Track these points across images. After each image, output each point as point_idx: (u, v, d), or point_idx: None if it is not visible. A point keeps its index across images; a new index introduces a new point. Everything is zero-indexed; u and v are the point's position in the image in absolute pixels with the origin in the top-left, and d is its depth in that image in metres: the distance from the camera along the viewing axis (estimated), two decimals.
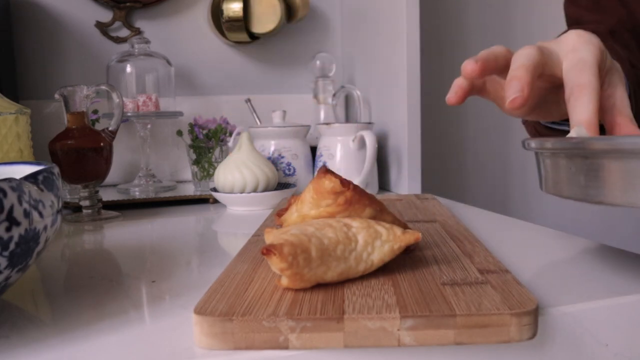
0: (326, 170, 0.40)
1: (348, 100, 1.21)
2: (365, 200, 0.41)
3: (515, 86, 0.41)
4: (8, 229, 0.31)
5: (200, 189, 0.94)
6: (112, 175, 1.02)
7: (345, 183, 0.40)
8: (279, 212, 0.45)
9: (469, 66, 0.44)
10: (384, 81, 0.98)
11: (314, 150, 0.95)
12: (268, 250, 0.34)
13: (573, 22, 0.70)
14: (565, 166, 0.39)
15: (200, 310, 0.31)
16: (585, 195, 0.37)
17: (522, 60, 0.43)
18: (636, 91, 0.57)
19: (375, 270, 0.37)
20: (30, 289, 0.44)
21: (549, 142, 0.40)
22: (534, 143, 0.42)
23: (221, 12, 1.07)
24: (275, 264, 0.34)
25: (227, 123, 0.98)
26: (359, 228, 0.37)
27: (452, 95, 0.47)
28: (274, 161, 0.90)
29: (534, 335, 0.31)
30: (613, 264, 0.44)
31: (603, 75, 0.45)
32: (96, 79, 1.05)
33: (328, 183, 0.39)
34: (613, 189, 0.35)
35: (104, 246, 0.60)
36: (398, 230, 0.38)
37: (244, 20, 1.07)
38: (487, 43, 1.38)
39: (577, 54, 0.43)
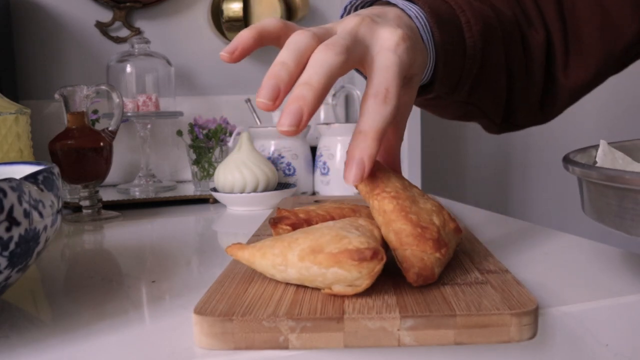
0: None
1: (348, 100, 1.21)
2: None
3: (293, 113, 0.33)
4: (8, 229, 0.31)
5: (200, 189, 0.94)
6: (112, 175, 1.02)
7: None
8: (274, 221, 0.43)
9: (225, 57, 0.37)
10: None
11: (314, 150, 0.95)
12: (375, 254, 0.32)
13: None
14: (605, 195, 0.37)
15: (200, 311, 0.31)
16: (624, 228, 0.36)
17: (311, 71, 0.34)
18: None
19: None
20: (30, 289, 0.44)
21: (594, 172, 0.38)
22: (578, 169, 0.39)
23: (221, 12, 1.07)
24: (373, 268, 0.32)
25: (227, 123, 0.98)
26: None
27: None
28: (274, 161, 0.90)
29: (534, 335, 0.31)
30: (613, 264, 0.44)
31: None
32: (96, 79, 1.05)
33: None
34: None
35: (104, 246, 0.60)
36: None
37: (244, 20, 1.07)
38: None
39: (389, 59, 0.37)
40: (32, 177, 0.35)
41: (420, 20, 0.45)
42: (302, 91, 0.34)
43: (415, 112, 0.91)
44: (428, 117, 1.14)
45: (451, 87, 0.50)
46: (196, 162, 0.96)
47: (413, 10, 0.45)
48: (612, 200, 0.37)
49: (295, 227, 0.41)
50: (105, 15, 1.09)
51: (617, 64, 0.61)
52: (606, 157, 0.45)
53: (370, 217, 0.41)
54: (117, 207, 0.82)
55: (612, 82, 0.66)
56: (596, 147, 0.46)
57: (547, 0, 0.59)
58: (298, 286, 0.35)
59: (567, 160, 0.42)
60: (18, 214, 0.32)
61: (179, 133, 1.03)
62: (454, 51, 0.48)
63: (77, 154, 0.72)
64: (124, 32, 1.11)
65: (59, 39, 1.07)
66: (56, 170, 0.39)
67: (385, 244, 0.37)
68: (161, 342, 0.32)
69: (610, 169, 0.37)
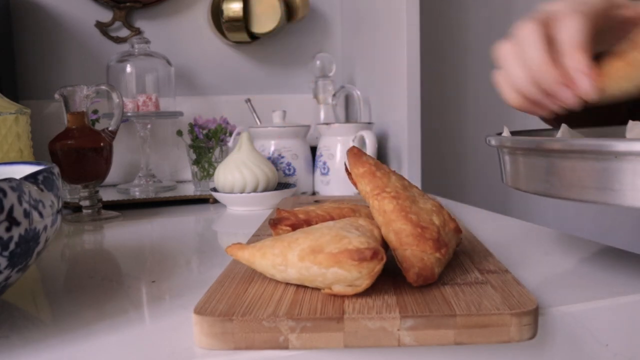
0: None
1: (348, 100, 1.21)
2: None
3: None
4: (8, 229, 0.31)
5: (200, 189, 0.94)
6: (112, 175, 1.02)
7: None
8: (274, 222, 0.43)
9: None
10: (384, 81, 0.98)
11: (314, 150, 0.95)
12: (375, 254, 0.32)
13: None
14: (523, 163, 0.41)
15: (200, 310, 0.31)
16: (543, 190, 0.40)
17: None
18: None
19: None
20: (30, 289, 0.44)
21: (509, 141, 0.43)
22: (494, 140, 0.44)
23: (221, 12, 1.07)
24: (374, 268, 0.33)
25: (227, 123, 0.98)
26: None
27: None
28: (274, 161, 0.90)
29: (534, 335, 0.31)
30: (613, 264, 0.44)
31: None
32: (96, 79, 1.05)
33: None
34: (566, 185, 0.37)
35: (104, 246, 0.60)
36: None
37: (244, 20, 1.07)
38: (488, 43, 1.38)
39: None
40: (32, 177, 0.35)
41: None
42: None
43: (415, 112, 0.91)
44: (428, 117, 1.14)
45: None
46: (196, 162, 0.96)
47: None
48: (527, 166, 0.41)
49: (295, 227, 0.41)
50: (105, 15, 1.09)
51: None
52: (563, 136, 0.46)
53: (370, 217, 0.41)
54: (117, 207, 0.82)
55: None
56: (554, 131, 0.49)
57: None
58: (298, 286, 0.35)
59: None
60: (18, 214, 0.32)
61: (179, 133, 1.03)
62: None
63: (77, 154, 0.72)
64: (124, 32, 1.11)
65: (59, 39, 1.07)
66: (56, 170, 0.39)
67: (385, 244, 0.37)
68: (161, 342, 0.32)
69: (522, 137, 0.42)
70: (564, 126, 0.46)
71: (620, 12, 0.40)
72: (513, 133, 0.48)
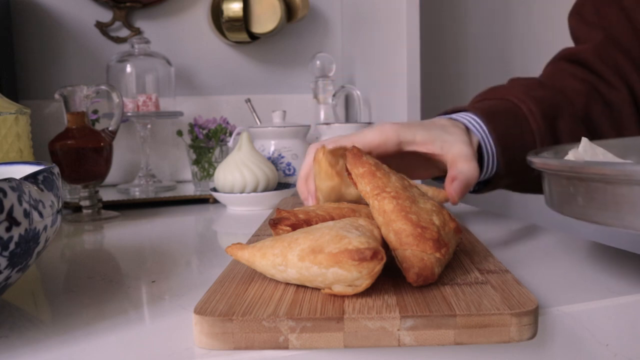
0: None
1: (348, 100, 1.21)
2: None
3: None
4: (8, 229, 0.31)
5: (200, 189, 0.94)
6: (112, 175, 1.02)
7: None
8: (274, 222, 0.42)
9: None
10: (384, 81, 0.98)
11: None
12: (375, 254, 0.32)
13: (574, 39, 0.72)
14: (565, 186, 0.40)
15: (200, 311, 0.31)
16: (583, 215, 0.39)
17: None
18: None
19: None
20: (30, 289, 0.44)
21: (554, 162, 0.41)
22: (537, 160, 0.43)
23: (221, 12, 1.07)
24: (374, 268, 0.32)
25: (227, 123, 0.98)
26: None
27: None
28: (274, 161, 0.90)
29: (534, 335, 0.31)
30: (613, 264, 0.44)
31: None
32: (96, 79, 1.05)
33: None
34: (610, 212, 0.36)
35: (104, 246, 0.60)
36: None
37: (244, 20, 1.07)
38: (488, 43, 1.38)
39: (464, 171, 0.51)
40: (32, 177, 0.35)
41: (474, 124, 0.57)
42: None
43: (415, 112, 0.91)
44: (428, 117, 1.14)
45: (521, 171, 0.56)
46: (196, 162, 0.96)
47: (466, 117, 0.58)
48: (569, 190, 0.39)
49: (295, 227, 0.41)
50: (105, 15, 1.09)
51: None
52: (586, 153, 0.46)
53: (370, 217, 0.41)
54: (117, 207, 0.82)
55: None
56: (574, 145, 0.48)
57: (620, 58, 0.64)
58: (298, 286, 0.35)
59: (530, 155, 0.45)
60: (18, 214, 0.32)
61: (179, 133, 1.03)
62: (515, 136, 0.56)
63: (77, 154, 0.72)
64: (124, 32, 1.11)
65: (59, 39, 1.07)
66: (56, 170, 0.39)
67: (385, 244, 0.37)
68: (161, 342, 0.32)
69: (569, 160, 0.40)
70: (584, 140, 0.47)
71: (410, 147, 0.53)
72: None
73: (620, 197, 0.35)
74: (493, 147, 0.56)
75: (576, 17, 0.71)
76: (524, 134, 0.57)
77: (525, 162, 0.46)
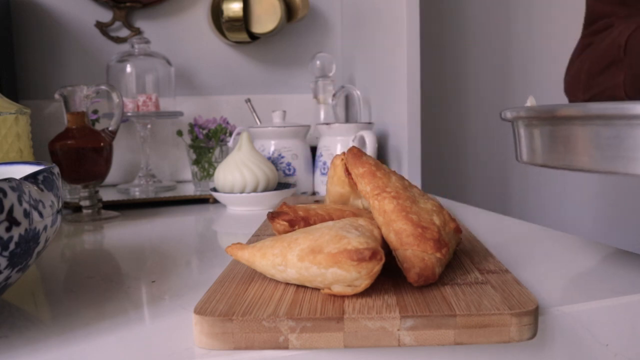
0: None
1: (348, 100, 1.21)
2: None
3: None
4: (8, 229, 0.31)
5: (200, 189, 0.94)
6: (112, 175, 1.02)
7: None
8: (272, 216, 0.42)
9: None
10: (384, 81, 0.98)
11: (314, 150, 0.95)
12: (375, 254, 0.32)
13: (600, 17, 0.70)
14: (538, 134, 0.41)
15: (200, 311, 0.31)
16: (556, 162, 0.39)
17: None
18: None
19: None
20: (30, 289, 0.44)
21: (524, 111, 0.42)
22: (509, 112, 0.43)
23: (221, 12, 1.07)
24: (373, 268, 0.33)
25: (227, 123, 0.98)
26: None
27: None
28: (274, 161, 0.90)
29: (534, 335, 0.31)
30: (613, 264, 0.44)
31: None
32: (96, 79, 1.05)
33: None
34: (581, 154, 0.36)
35: (104, 246, 0.60)
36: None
37: (244, 20, 1.07)
38: (488, 43, 1.38)
39: None
40: (32, 177, 0.35)
41: None
42: None
43: (415, 112, 0.91)
44: (428, 117, 1.14)
45: None
46: (196, 162, 0.96)
47: None
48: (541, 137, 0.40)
49: (292, 223, 0.41)
50: (105, 15, 1.09)
51: None
52: None
53: (371, 218, 0.41)
54: (117, 207, 0.82)
55: None
56: None
57: None
58: (298, 286, 0.35)
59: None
60: (18, 214, 0.32)
61: (179, 133, 1.03)
62: None
63: (77, 154, 0.72)
64: (124, 32, 1.11)
65: (59, 39, 1.07)
66: (56, 170, 0.39)
67: (384, 244, 0.37)
68: (161, 342, 0.32)
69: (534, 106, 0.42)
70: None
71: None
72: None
73: (572, 137, 0.36)
74: None
75: (596, 0, 0.71)
76: None
77: None
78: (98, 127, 0.98)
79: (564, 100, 0.74)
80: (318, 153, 0.93)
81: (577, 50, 0.71)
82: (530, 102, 0.47)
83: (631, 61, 0.58)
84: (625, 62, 0.59)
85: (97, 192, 0.76)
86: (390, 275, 0.36)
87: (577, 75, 0.68)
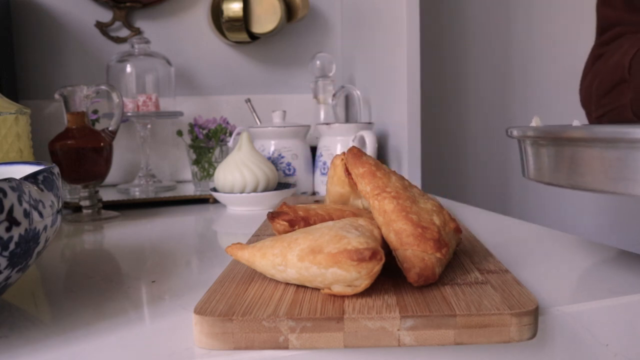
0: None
1: (348, 100, 1.21)
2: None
3: None
4: (8, 229, 0.31)
5: (200, 189, 0.94)
6: (112, 175, 1.02)
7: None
8: (272, 216, 0.43)
9: None
10: (384, 81, 0.98)
11: (314, 150, 0.95)
12: (374, 255, 0.32)
13: (610, 24, 0.71)
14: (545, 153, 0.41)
15: (200, 311, 0.31)
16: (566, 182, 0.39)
17: None
18: None
19: None
20: (30, 289, 0.44)
21: (531, 130, 0.42)
22: (516, 131, 0.44)
23: (221, 12, 1.07)
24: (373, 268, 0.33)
25: (227, 123, 0.98)
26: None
27: None
28: (274, 161, 0.90)
29: (534, 335, 0.31)
30: (613, 264, 0.44)
31: None
32: (96, 79, 1.05)
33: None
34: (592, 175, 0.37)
35: (104, 246, 0.60)
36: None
37: (244, 20, 1.07)
38: (488, 43, 1.38)
39: None
40: (32, 177, 0.35)
41: None
42: None
43: (415, 112, 0.91)
44: (428, 117, 1.14)
45: None
46: (196, 162, 0.96)
47: None
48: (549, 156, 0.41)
49: (292, 223, 0.41)
50: (105, 15, 1.09)
51: None
52: None
53: (371, 218, 0.41)
54: (117, 207, 0.82)
55: None
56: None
57: None
58: (298, 286, 0.35)
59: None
60: (18, 214, 0.32)
61: (179, 133, 1.03)
62: None
63: (77, 154, 0.72)
64: (124, 32, 1.11)
65: (59, 39, 1.07)
66: (56, 170, 0.39)
67: (384, 244, 0.37)
68: (161, 342, 0.32)
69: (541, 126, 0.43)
70: (576, 122, 0.48)
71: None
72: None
73: (579, 159, 0.37)
74: None
75: (606, 7, 0.71)
76: None
77: None
78: (98, 127, 0.98)
79: (564, 100, 0.74)
80: (318, 153, 0.93)
81: (589, 60, 0.72)
82: (535, 122, 0.47)
83: (636, 83, 0.59)
84: (631, 83, 0.59)
85: (97, 192, 0.76)
86: (390, 275, 0.36)
87: (589, 91, 0.69)
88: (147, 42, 1.00)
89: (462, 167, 1.41)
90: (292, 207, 0.43)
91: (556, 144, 0.40)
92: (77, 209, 0.77)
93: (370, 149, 0.85)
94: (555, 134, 0.40)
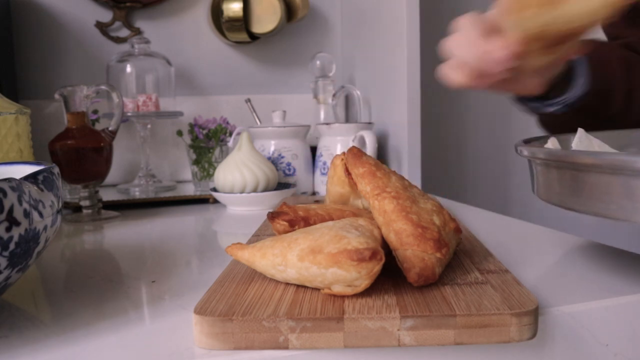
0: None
1: (348, 100, 1.21)
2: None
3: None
4: (8, 229, 0.31)
5: (200, 189, 0.94)
6: (112, 175, 1.02)
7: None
8: (272, 216, 0.43)
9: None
10: (384, 81, 0.98)
11: (314, 150, 0.95)
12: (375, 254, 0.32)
13: (612, 39, 0.71)
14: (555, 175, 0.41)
15: (200, 311, 0.31)
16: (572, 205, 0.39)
17: None
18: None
19: None
20: (30, 289, 0.44)
21: (542, 152, 0.42)
22: (526, 151, 0.44)
23: (221, 12, 1.07)
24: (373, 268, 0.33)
25: (227, 123, 0.98)
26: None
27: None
28: (274, 161, 0.90)
29: (534, 335, 0.31)
30: (613, 264, 0.44)
31: None
32: (96, 79, 1.05)
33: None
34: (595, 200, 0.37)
35: (104, 246, 0.60)
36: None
37: (244, 20, 1.07)
38: None
39: None
40: (32, 177, 0.35)
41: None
42: None
43: (415, 112, 0.91)
44: (428, 116, 1.14)
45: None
46: (196, 162, 0.96)
47: None
48: (556, 179, 0.41)
49: (292, 223, 0.41)
50: (105, 15, 1.09)
51: None
52: (582, 143, 0.46)
53: (371, 218, 0.41)
54: (117, 207, 0.82)
55: None
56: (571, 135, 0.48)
57: None
58: (298, 286, 0.35)
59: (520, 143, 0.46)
60: (18, 214, 0.32)
61: (179, 133, 1.03)
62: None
63: (77, 154, 0.72)
64: (124, 32, 1.11)
65: (59, 39, 1.07)
66: (56, 170, 0.39)
67: (384, 244, 0.37)
68: (161, 342, 0.32)
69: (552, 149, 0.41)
70: (580, 131, 0.47)
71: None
72: (529, 140, 0.48)
73: (594, 185, 0.36)
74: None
75: (607, 25, 0.71)
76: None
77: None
78: (98, 127, 0.98)
79: None
80: (318, 153, 0.93)
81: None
82: (552, 144, 0.47)
83: None
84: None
85: (97, 192, 0.76)
86: (390, 275, 0.36)
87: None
88: (147, 42, 1.00)
89: (462, 167, 1.41)
90: (292, 207, 0.43)
91: (565, 167, 0.39)
92: (77, 209, 0.77)
93: (370, 149, 0.85)
94: (564, 158, 0.39)
